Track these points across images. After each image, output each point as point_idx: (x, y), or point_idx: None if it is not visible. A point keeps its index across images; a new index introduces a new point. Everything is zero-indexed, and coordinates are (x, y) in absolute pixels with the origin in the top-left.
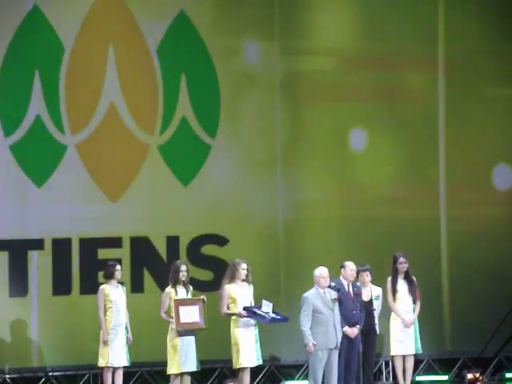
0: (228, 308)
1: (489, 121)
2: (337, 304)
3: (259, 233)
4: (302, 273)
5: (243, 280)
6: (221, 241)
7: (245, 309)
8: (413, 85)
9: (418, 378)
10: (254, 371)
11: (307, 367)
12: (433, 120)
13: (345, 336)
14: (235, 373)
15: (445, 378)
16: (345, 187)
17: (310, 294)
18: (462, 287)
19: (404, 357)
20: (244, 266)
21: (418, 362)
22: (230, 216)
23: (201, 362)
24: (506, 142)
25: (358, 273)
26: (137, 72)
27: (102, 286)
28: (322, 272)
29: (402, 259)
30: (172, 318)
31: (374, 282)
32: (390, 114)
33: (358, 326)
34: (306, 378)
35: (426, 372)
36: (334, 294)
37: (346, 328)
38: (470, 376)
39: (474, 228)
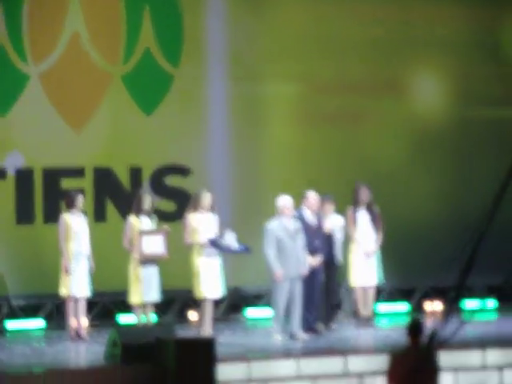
0: (191, 238)
1: None
2: (300, 234)
3: (223, 162)
4: (266, 202)
5: (207, 210)
6: (184, 171)
7: (208, 240)
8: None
9: (379, 308)
10: (216, 300)
11: (270, 297)
12: None
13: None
14: (198, 303)
15: (405, 307)
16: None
17: (273, 225)
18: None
19: (365, 288)
20: (207, 195)
21: (379, 291)
22: (193, 146)
23: (163, 291)
24: None
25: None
26: (100, 2)
27: (63, 215)
28: (285, 202)
29: (363, 189)
30: (135, 247)
31: (338, 211)
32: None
33: (319, 255)
34: (268, 305)
35: (387, 300)
36: (297, 224)
37: (308, 257)
38: (428, 307)
39: None
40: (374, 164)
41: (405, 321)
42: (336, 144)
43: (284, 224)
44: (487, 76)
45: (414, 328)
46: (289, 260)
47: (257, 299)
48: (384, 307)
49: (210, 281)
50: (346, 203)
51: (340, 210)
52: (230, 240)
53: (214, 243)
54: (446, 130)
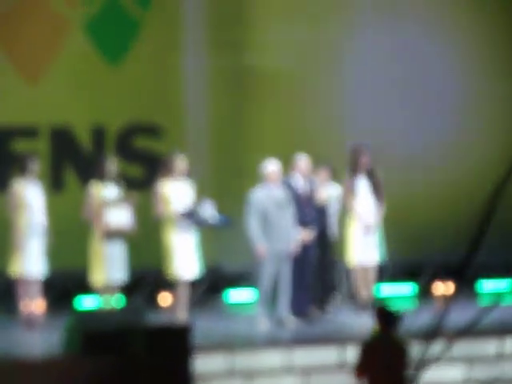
0: (163, 209)
1: None
2: (290, 204)
3: (200, 121)
4: (251, 168)
5: (181, 176)
6: (155, 131)
7: (182, 211)
8: None
9: (381, 290)
10: (192, 281)
11: (254, 277)
12: None
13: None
14: (171, 284)
15: (412, 289)
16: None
17: (258, 194)
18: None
19: (365, 267)
20: (182, 159)
21: (380, 271)
22: (166, 102)
23: (131, 271)
24: None
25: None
26: None
27: (13, 183)
28: (272, 167)
29: (363, 152)
30: (97, 219)
31: (334, 179)
32: None
33: (311, 228)
34: (252, 287)
35: (390, 281)
36: (286, 193)
37: (299, 231)
38: (438, 289)
39: None
40: (376, 130)
41: (411, 304)
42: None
43: (271, 193)
44: None
45: (384, 316)
46: (276, 234)
47: (240, 280)
48: (387, 289)
49: (185, 259)
50: (343, 170)
51: (337, 178)
52: (208, 211)
53: (190, 215)
54: None
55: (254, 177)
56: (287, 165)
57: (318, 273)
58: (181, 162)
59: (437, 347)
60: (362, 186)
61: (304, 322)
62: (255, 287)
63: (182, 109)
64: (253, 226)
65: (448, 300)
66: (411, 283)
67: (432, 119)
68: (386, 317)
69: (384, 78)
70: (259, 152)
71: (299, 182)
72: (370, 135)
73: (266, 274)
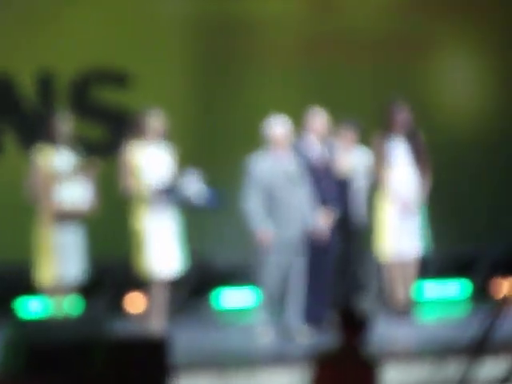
0: (132, 183)
1: None
2: (301, 178)
3: (181, 67)
4: (248, 129)
5: (157, 140)
6: (122, 79)
7: (158, 188)
8: None
9: (423, 291)
10: (171, 280)
11: (254, 275)
12: None
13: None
14: (143, 284)
15: (463, 289)
16: None
17: (261, 163)
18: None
19: (403, 262)
20: (156, 116)
21: (423, 266)
22: (136, 41)
23: (90, 266)
24: None
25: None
26: None
27: None
28: (278, 127)
29: (400, 109)
30: (45, 197)
31: (362, 142)
32: None
33: (331, 211)
34: (250, 286)
35: (436, 280)
36: (297, 162)
37: (315, 214)
38: (497, 288)
39: None
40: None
41: (462, 309)
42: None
43: (277, 162)
44: None
45: (349, 321)
46: (285, 217)
47: (235, 278)
48: (431, 290)
49: (162, 250)
50: (374, 130)
51: (365, 142)
52: (193, 186)
53: (168, 191)
54: None
55: (253, 140)
56: (297, 124)
57: (339, 269)
58: (156, 121)
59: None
60: (399, 152)
61: (320, 332)
62: (256, 287)
63: (158, 51)
64: (253, 206)
65: (507, 303)
66: (462, 281)
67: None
68: (352, 323)
69: None
70: (258, 108)
71: (314, 146)
72: (408, 85)
73: (271, 270)
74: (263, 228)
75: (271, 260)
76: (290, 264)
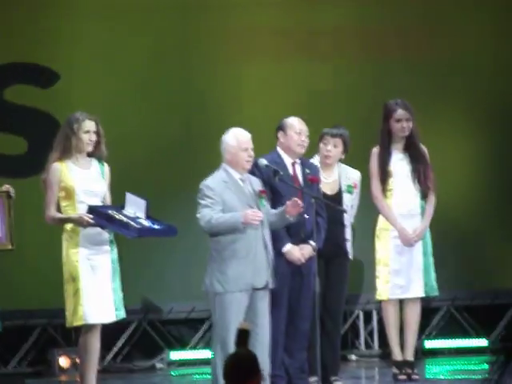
0: (60, 208)
1: None
2: (266, 202)
3: (123, 58)
4: (207, 142)
5: (89, 153)
6: (46, 75)
7: (91, 210)
8: None
9: (429, 345)
10: (111, 329)
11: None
12: None
13: (287, 263)
14: (72, 335)
15: (482, 342)
16: None
17: (216, 182)
18: None
19: (403, 303)
20: (89, 124)
21: (430, 312)
22: (62, 29)
23: (2, 316)
24: None
25: (321, 138)
26: None
27: None
28: (240, 138)
29: (400, 112)
30: None
31: (350, 161)
32: None
33: (311, 243)
34: (207, 345)
35: (445, 333)
36: (261, 184)
37: (289, 247)
38: None
39: None
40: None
41: (477, 367)
42: None
43: (237, 181)
44: None
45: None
46: (247, 253)
47: (187, 327)
48: (437, 343)
49: (96, 294)
50: (363, 147)
51: (354, 160)
52: (135, 211)
53: (103, 215)
54: None
55: (210, 158)
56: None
57: (322, 317)
58: (86, 131)
59: None
60: (399, 166)
61: None
62: (212, 341)
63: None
64: (211, 216)
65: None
66: (481, 335)
67: None
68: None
69: None
70: (221, 116)
71: (290, 163)
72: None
73: (231, 316)
74: (240, 214)
75: (233, 302)
76: (254, 308)
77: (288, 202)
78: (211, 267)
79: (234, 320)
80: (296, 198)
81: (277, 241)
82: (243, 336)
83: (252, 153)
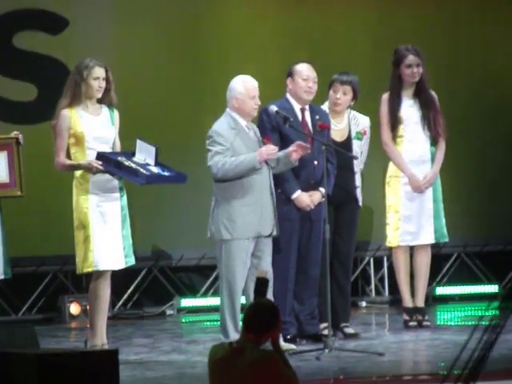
0: (69, 155)
1: None
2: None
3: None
4: (212, 89)
5: (99, 100)
6: (55, 22)
7: (100, 156)
8: None
9: (440, 291)
10: (122, 276)
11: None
12: None
13: (295, 210)
14: (82, 281)
15: (493, 288)
16: None
17: (226, 129)
18: None
19: (414, 249)
20: (99, 71)
21: (442, 258)
22: None
23: (12, 262)
24: None
25: (330, 85)
26: None
27: None
28: (247, 85)
29: (410, 58)
30: None
31: (359, 107)
32: None
33: (321, 189)
34: (217, 292)
35: (456, 280)
36: (268, 131)
37: (298, 193)
38: None
39: None
40: None
41: (488, 313)
42: None
43: (244, 128)
44: None
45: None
46: (254, 199)
47: (197, 274)
48: (448, 289)
49: (106, 240)
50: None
51: (364, 107)
52: (145, 158)
53: (113, 162)
54: None
55: (216, 104)
56: (273, 81)
57: (332, 265)
58: (96, 78)
59: None
60: (409, 112)
61: (305, 348)
62: (220, 287)
63: None
64: (225, 160)
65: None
66: (491, 281)
67: None
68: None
69: None
70: (228, 66)
71: (299, 109)
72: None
73: (238, 262)
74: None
75: (240, 247)
76: (260, 252)
77: (295, 143)
78: (217, 214)
79: (240, 267)
80: (300, 142)
81: (286, 187)
82: (263, 285)
83: (259, 101)
